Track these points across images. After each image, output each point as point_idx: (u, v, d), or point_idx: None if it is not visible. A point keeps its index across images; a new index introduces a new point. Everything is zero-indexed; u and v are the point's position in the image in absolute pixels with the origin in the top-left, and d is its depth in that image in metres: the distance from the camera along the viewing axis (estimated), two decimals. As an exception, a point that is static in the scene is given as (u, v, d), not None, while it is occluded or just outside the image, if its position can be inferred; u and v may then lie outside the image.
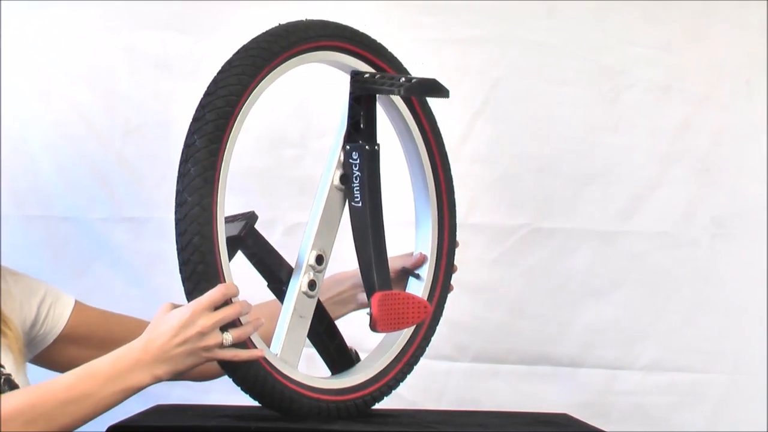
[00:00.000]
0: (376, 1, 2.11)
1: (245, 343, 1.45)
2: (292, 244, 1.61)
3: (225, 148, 1.44)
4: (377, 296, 1.55)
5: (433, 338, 1.69)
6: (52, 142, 2.17)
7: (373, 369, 1.63)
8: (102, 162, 2.17)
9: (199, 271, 1.41)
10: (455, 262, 1.71)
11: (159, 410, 1.67)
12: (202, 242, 1.41)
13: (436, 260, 1.69)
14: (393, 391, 1.63)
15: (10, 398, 1.38)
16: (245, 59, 1.48)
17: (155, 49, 2.17)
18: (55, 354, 1.68)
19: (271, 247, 1.60)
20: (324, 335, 1.62)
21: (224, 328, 1.42)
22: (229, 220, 1.53)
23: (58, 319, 1.67)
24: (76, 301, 1.70)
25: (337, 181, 1.59)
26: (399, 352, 1.65)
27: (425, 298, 1.67)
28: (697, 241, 2.17)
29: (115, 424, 1.46)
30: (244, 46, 1.49)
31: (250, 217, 1.58)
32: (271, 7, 2.14)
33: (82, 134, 2.17)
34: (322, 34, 1.55)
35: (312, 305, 1.58)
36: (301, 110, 2.16)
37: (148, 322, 1.48)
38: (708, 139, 2.17)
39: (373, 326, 1.54)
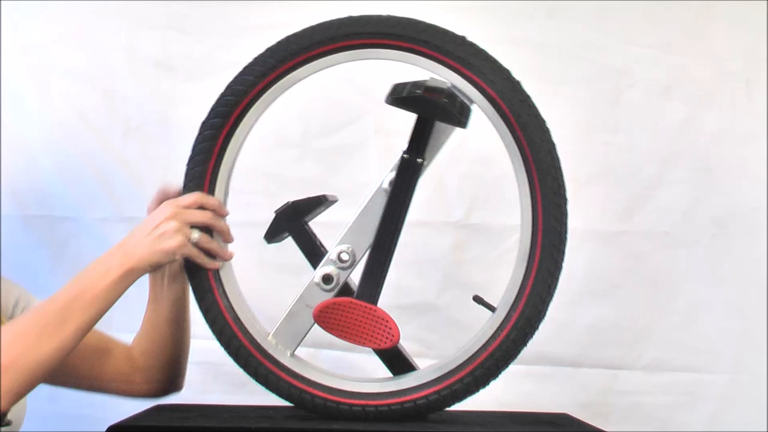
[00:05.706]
0: (378, 1, 2.10)
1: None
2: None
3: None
4: (339, 300, 1.52)
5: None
6: (52, 142, 2.17)
7: (392, 384, 1.55)
8: (102, 162, 2.17)
9: (193, 172, 1.54)
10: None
11: (159, 410, 1.67)
12: (205, 150, 1.54)
13: (521, 284, 1.60)
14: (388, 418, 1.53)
15: (16, 321, 1.46)
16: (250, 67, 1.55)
17: (155, 49, 2.17)
18: None
19: (307, 232, 1.60)
20: None
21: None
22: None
23: None
24: None
25: (386, 184, 1.56)
26: (428, 381, 1.55)
27: (496, 328, 1.58)
28: (697, 241, 2.17)
29: (115, 424, 1.46)
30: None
31: (307, 200, 1.60)
32: (271, 8, 2.14)
33: (82, 134, 2.17)
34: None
35: (325, 299, 1.55)
36: (303, 110, 2.16)
37: (110, 338, 1.68)
38: (708, 139, 2.17)
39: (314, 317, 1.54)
